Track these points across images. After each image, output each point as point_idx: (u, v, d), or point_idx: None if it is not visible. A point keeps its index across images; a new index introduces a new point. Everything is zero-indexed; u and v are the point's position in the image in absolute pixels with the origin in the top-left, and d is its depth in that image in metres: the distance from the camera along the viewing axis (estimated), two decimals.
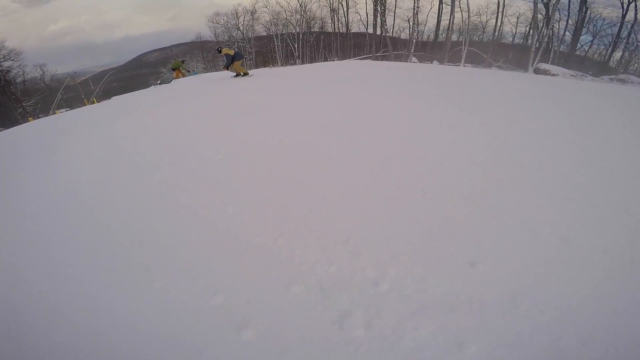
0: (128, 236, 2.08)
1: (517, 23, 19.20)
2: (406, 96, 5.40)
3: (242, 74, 10.58)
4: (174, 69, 12.96)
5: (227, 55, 10.19)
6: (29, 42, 31.83)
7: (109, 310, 1.53)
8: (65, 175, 3.29)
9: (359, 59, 19.74)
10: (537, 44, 16.32)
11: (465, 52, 17.87)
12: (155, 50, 46.18)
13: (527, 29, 18.61)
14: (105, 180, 3.00)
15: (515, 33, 19.84)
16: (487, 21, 19.82)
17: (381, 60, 19.44)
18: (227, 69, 10.78)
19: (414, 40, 19.54)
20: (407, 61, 17.95)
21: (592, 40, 17.80)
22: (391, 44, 20.57)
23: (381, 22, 19.97)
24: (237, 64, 10.48)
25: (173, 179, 2.82)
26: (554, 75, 13.01)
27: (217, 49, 10.49)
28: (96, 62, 35.65)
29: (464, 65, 16.78)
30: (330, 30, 25.24)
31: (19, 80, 22.83)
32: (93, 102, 26.62)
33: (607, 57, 17.28)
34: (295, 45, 24.44)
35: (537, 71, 15.04)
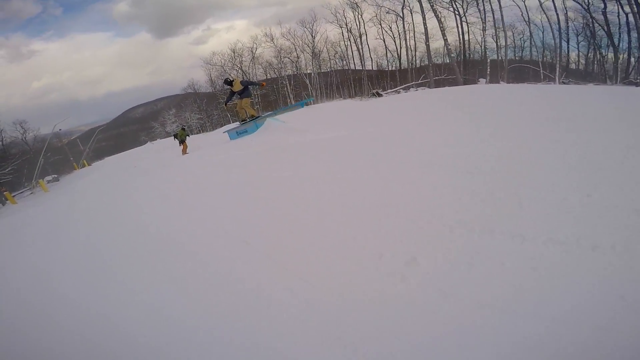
0: None
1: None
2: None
3: (249, 116, 8.59)
4: (182, 141, 11.16)
5: (243, 82, 8.35)
6: (13, 99, 29.50)
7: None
8: None
9: (402, 88, 18.12)
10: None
11: (558, 69, 16.23)
12: (140, 106, 44.98)
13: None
14: None
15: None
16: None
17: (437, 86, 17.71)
18: (228, 103, 9.10)
19: (488, 60, 18.00)
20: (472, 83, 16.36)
21: None
22: (444, 69, 18.99)
23: (445, 41, 18.48)
24: (246, 101, 8.44)
25: None
26: None
27: (227, 80, 8.41)
28: (83, 120, 33.26)
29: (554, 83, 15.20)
30: (337, 67, 24.04)
31: None
32: (84, 165, 23.70)
33: None
34: (308, 83, 22.82)
35: None
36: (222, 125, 28.73)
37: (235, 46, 24.89)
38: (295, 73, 24.05)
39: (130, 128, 39.79)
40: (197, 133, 30.16)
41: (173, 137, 12.10)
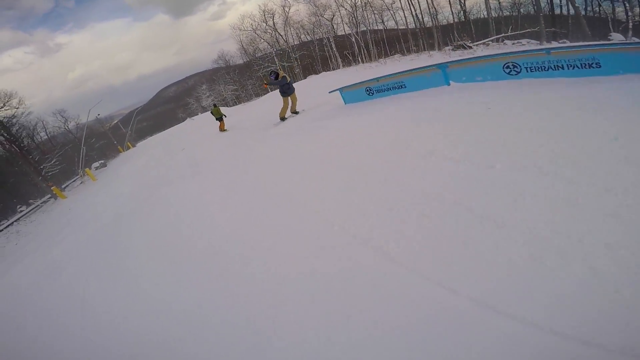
0: None
1: None
2: None
3: (297, 112, 7.61)
4: (219, 119, 10.82)
5: (285, 77, 7.40)
6: (55, 93, 30.77)
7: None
8: None
9: (490, 40, 14.58)
10: None
11: None
12: (172, 85, 45.46)
13: None
14: None
15: None
16: None
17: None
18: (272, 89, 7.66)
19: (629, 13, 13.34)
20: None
21: None
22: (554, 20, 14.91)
23: None
24: (294, 96, 7.50)
25: None
26: None
27: (271, 72, 7.33)
28: (121, 104, 33.96)
29: None
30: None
31: (42, 135, 19.77)
32: (128, 147, 23.63)
33: None
34: (353, 40, 19.91)
35: None
36: (258, 96, 26.89)
37: (266, 6, 22.38)
38: (333, 35, 21.26)
39: (167, 107, 40.12)
40: (233, 105, 28.68)
41: (210, 113, 11.67)
